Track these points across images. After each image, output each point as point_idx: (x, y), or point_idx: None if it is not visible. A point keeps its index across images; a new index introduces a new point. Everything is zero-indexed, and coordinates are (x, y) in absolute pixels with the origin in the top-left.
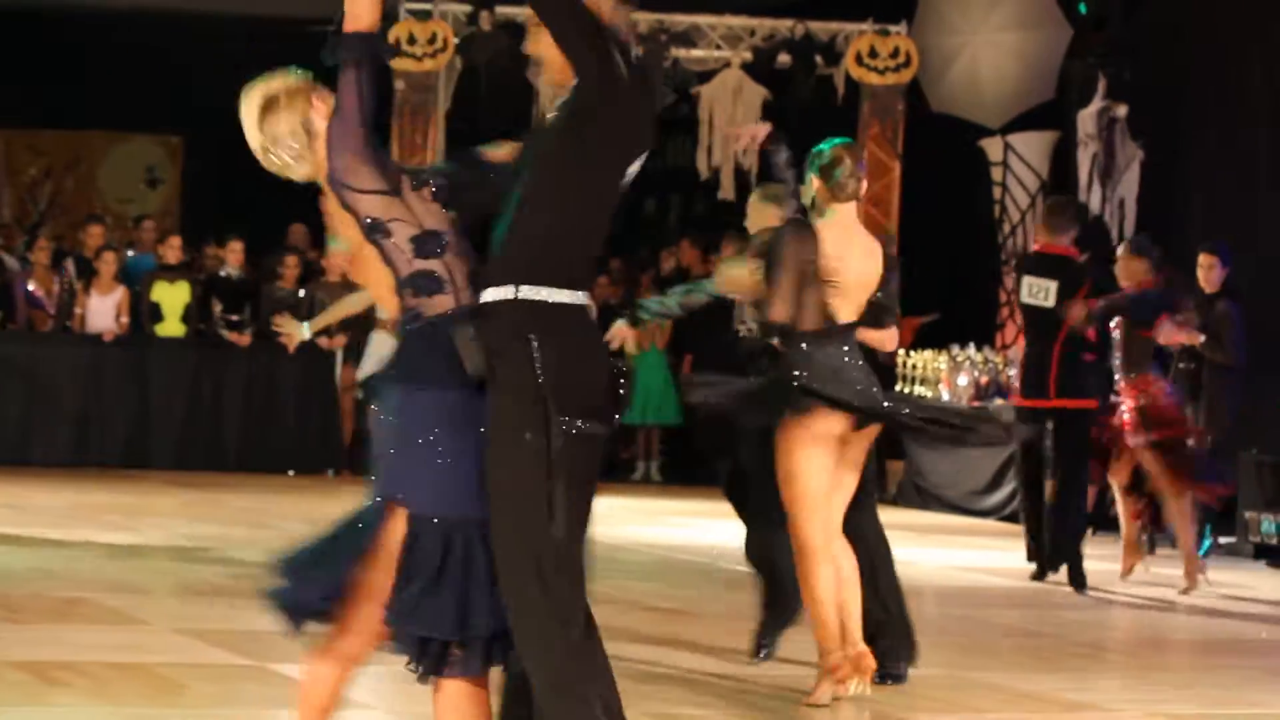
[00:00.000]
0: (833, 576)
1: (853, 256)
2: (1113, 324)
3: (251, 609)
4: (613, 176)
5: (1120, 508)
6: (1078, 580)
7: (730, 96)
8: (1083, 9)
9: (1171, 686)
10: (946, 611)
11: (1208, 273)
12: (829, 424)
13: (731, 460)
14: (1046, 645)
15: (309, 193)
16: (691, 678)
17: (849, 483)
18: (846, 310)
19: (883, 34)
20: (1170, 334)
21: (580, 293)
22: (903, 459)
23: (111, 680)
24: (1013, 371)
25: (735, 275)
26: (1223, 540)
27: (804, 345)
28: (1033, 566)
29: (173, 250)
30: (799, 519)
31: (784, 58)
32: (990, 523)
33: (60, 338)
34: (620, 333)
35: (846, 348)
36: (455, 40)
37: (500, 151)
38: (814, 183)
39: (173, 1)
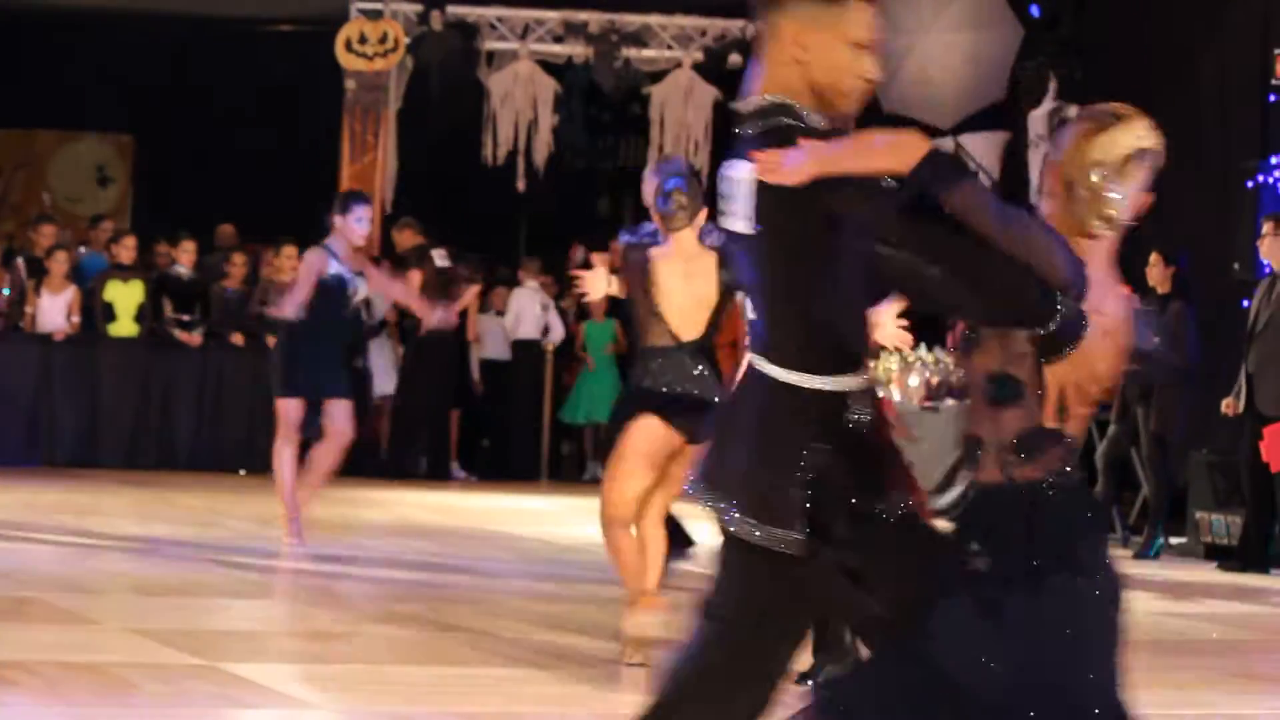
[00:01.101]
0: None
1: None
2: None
3: (202, 608)
4: None
5: None
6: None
7: (682, 97)
8: (1035, 10)
9: None
10: None
11: (1154, 270)
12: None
13: None
14: None
15: (254, 193)
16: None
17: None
18: (689, 329)
19: None
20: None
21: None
22: None
23: (62, 680)
24: (964, 372)
25: None
26: (1174, 540)
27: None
28: None
29: (126, 250)
30: None
31: (735, 58)
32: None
33: (10, 337)
34: None
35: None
36: (406, 40)
37: None
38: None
39: (122, 0)
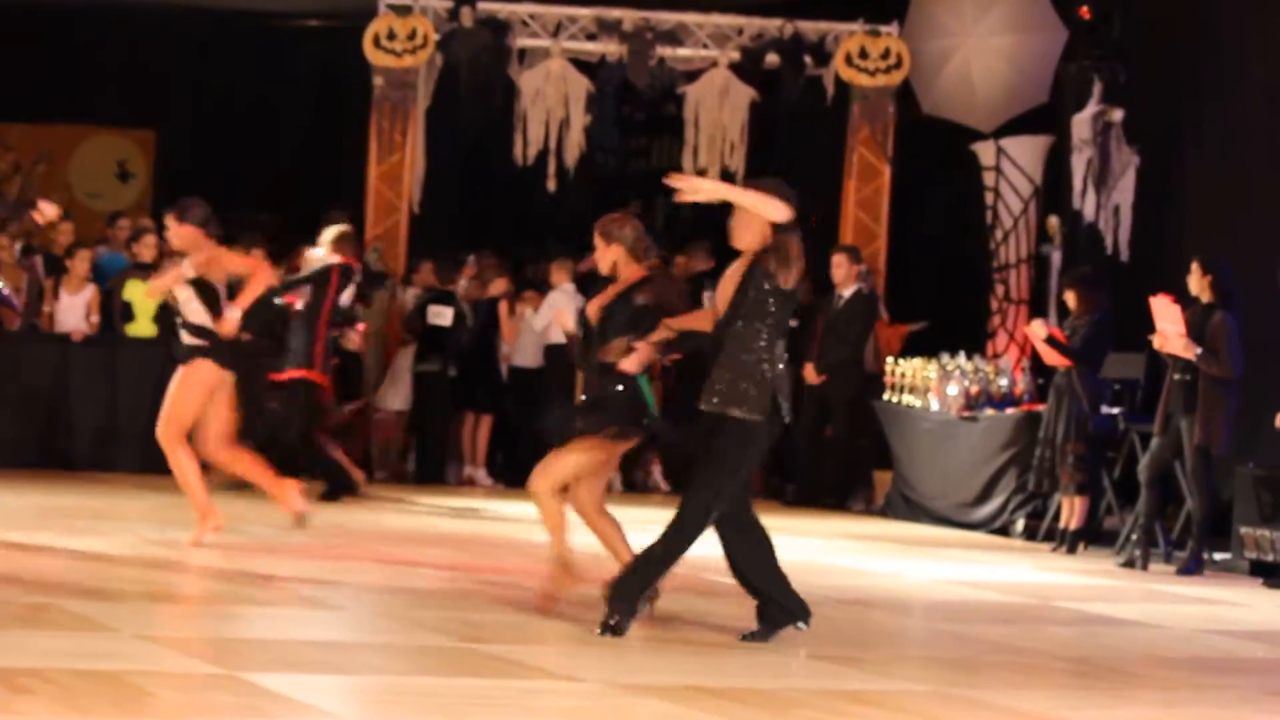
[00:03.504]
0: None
1: None
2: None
3: (222, 616)
4: None
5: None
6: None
7: (717, 97)
8: (1081, 15)
9: (1161, 705)
10: (933, 626)
11: (1193, 278)
12: None
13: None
14: (1035, 662)
15: (278, 191)
16: (675, 688)
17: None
18: None
19: (873, 34)
20: (1167, 345)
21: None
22: (890, 470)
23: (78, 688)
24: (1004, 381)
25: None
26: (1218, 556)
27: None
28: None
29: (147, 248)
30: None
31: (772, 58)
32: (980, 535)
33: (28, 336)
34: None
35: None
36: (436, 36)
37: None
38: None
39: None
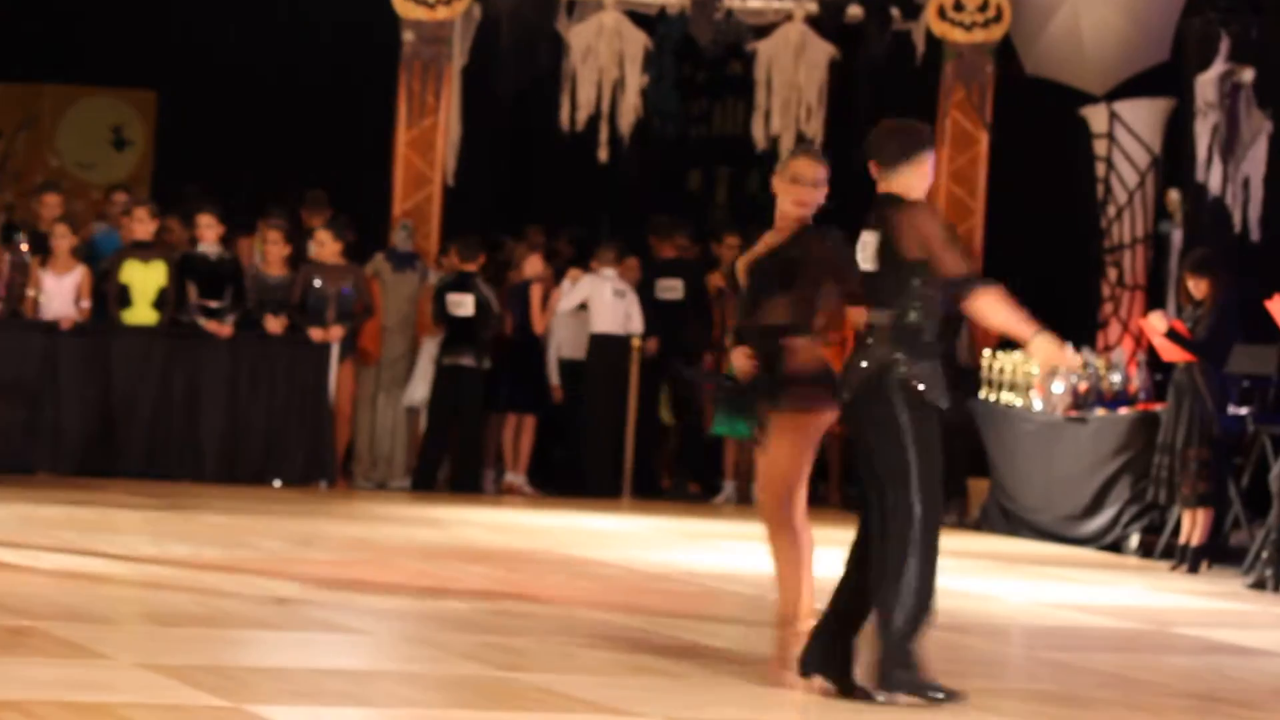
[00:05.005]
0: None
1: None
2: None
3: (227, 641)
4: None
5: None
6: None
7: (792, 55)
8: None
9: None
10: (1035, 655)
11: None
12: None
13: None
14: (1151, 696)
15: (295, 161)
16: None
17: None
18: None
19: None
20: None
21: None
22: (987, 477)
23: None
24: (1116, 377)
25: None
26: None
27: None
28: None
29: (142, 224)
30: None
31: (855, 10)
32: (1088, 552)
33: (9, 325)
34: None
35: None
36: None
37: None
38: None
39: None
